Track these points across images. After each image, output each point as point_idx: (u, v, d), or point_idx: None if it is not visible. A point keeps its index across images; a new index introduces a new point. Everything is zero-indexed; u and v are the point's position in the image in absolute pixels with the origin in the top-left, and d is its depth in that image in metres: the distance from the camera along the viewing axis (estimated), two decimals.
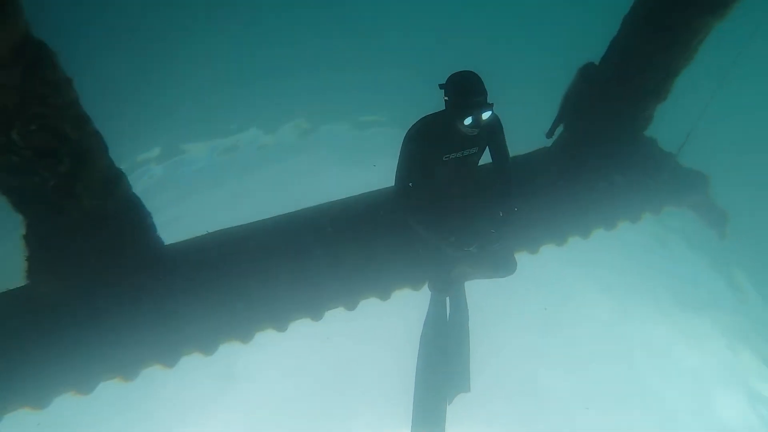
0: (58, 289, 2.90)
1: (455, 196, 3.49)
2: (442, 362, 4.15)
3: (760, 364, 7.85)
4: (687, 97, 4.57)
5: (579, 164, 4.43)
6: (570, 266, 7.18)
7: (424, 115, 3.16)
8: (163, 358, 3.16)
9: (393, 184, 3.39)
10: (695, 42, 3.74)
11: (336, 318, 3.58)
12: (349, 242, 3.71)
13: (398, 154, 3.24)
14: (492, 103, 2.82)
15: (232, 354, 3.37)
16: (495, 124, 3.17)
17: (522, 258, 3.77)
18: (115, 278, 3.05)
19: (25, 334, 2.94)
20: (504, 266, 3.65)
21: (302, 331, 3.55)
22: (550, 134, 4.55)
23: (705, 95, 4.75)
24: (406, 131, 3.16)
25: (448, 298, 4.05)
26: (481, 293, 4.17)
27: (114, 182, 2.80)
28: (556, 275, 7.27)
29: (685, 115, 4.63)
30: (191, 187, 8.56)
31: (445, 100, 2.95)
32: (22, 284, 3.04)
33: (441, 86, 2.95)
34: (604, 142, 4.41)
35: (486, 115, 2.84)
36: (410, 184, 3.30)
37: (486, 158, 3.45)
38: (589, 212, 4.25)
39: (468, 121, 2.84)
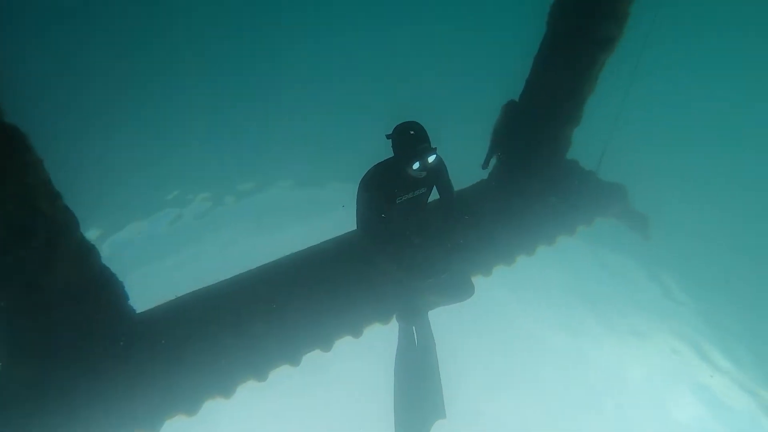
0: (36, 370, 2.90)
1: (411, 232, 3.81)
2: (417, 390, 4.38)
3: (701, 360, 8.56)
4: (597, 119, 5.20)
5: (514, 190, 4.91)
6: (516, 288, 7.69)
7: (375, 164, 3.49)
8: (147, 425, 3.18)
9: (356, 229, 3.70)
10: (593, 72, 4.35)
11: (313, 360, 3.73)
12: (317, 287, 3.90)
13: (356, 202, 3.57)
14: (435, 147, 3.20)
15: (216, 410, 3.42)
16: (439, 165, 3.55)
17: (477, 281, 4.11)
18: (92, 351, 3.08)
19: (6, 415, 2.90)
20: (462, 291, 3.98)
21: (282, 379, 3.67)
22: (485, 165, 5.01)
23: (612, 115, 5.41)
24: (360, 180, 3.48)
25: (414, 328, 4.31)
26: (443, 320, 4.45)
27: (86, 255, 2.90)
28: (504, 297, 7.76)
29: (598, 136, 5.25)
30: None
31: (393, 148, 3.31)
32: None
33: (388, 136, 3.30)
34: (533, 167, 4.91)
35: (431, 159, 3.21)
36: (370, 226, 3.60)
37: (434, 195, 3.82)
38: (531, 232, 4.69)
39: (416, 165, 3.19)
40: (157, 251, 8.78)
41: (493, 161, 5.04)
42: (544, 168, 4.98)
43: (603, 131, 5.31)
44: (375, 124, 4.37)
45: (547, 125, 4.64)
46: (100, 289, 3.03)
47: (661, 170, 9.82)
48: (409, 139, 3.19)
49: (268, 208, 9.66)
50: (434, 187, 3.79)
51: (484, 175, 5.16)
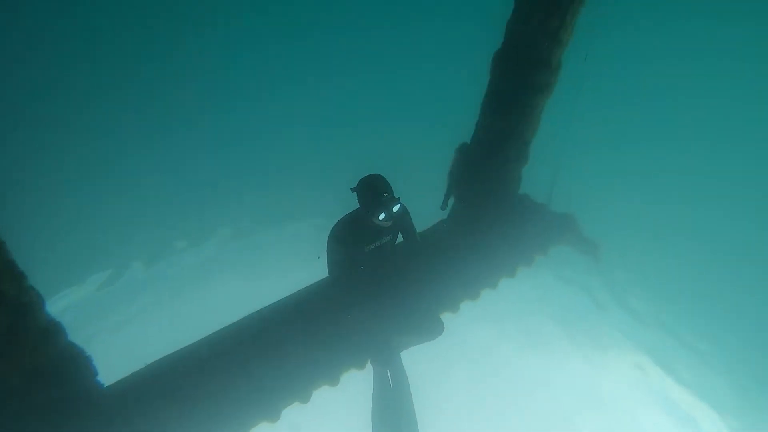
0: None
1: (379, 277, 3.93)
2: (395, 428, 4.43)
3: (665, 375, 8.98)
4: (545, 154, 5.56)
5: (473, 228, 5.13)
6: (481, 321, 7.94)
7: (342, 216, 3.62)
8: None
9: (327, 278, 3.78)
10: (534, 115, 4.70)
11: (291, 413, 3.71)
12: (291, 339, 3.93)
13: (326, 253, 3.67)
14: (398, 197, 3.36)
15: None
16: (403, 212, 3.72)
17: (445, 318, 4.25)
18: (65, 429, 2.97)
19: None
20: (432, 329, 4.10)
21: None
22: (444, 206, 5.23)
23: (557, 151, 5.81)
24: (329, 232, 3.59)
25: (388, 371, 4.37)
26: (416, 358, 4.54)
27: (53, 333, 2.83)
28: (472, 331, 7.97)
29: (547, 171, 5.63)
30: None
31: (359, 200, 3.45)
32: None
33: (353, 190, 3.45)
34: (488, 204, 5.17)
35: (396, 209, 3.37)
36: (339, 276, 3.69)
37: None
38: (492, 265, 4.90)
39: (382, 216, 3.34)
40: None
41: (450, 201, 5.27)
42: (499, 204, 5.25)
43: (551, 166, 5.67)
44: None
45: (497, 165, 4.92)
46: (67, 366, 2.94)
47: (608, 195, 10.53)
48: (374, 191, 3.34)
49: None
50: (398, 233, 3.94)
51: (444, 215, 5.38)
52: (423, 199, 4.85)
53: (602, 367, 9.02)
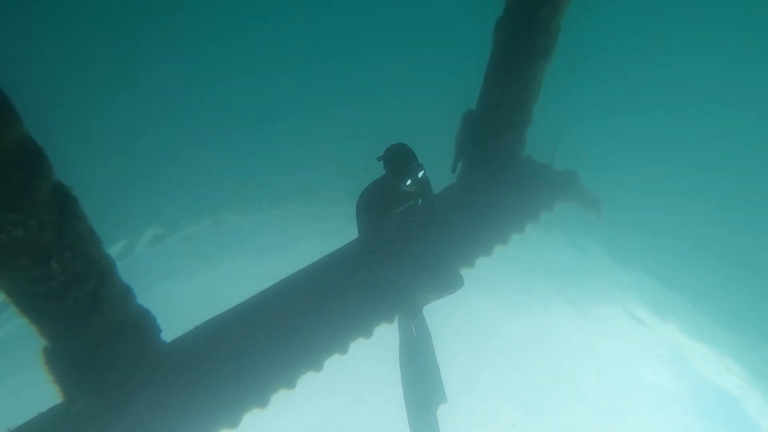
0: (94, 401, 3.16)
1: (405, 239, 4.30)
2: (421, 379, 4.87)
3: (664, 325, 9.45)
4: (546, 119, 5.88)
5: (481, 189, 5.48)
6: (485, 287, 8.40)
7: (368, 184, 3.96)
8: None
9: (358, 242, 4.15)
10: (538, 79, 5.00)
11: (332, 363, 4.11)
12: (327, 298, 4.31)
13: (355, 218, 4.03)
14: (422, 164, 3.70)
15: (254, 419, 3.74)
16: (424, 178, 4.07)
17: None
18: (134, 382, 3.36)
19: None
20: (453, 284, 4.49)
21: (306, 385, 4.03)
22: (453, 170, 5.57)
23: (558, 116, 6.13)
24: (357, 199, 3.94)
25: (413, 325, 4.78)
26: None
27: (126, 295, 3.20)
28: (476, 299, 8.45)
29: (551, 131, 5.96)
30: None
31: (386, 168, 3.78)
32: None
33: (379, 158, 3.78)
34: (495, 167, 5.51)
35: (421, 174, 3.71)
36: (369, 239, 4.06)
37: None
38: (502, 224, 5.27)
39: (408, 182, 3.69)
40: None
41: (459, 165, 5.60)
42: (505, 167, 5.58)
43: (554, 126, 6.00)
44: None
45: (503, 130, 5.24)
46: (136, 324, 3.31)
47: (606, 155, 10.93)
48: (401, 159, 3.68)
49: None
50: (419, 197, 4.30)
51: (453, 178, 5.73)
52: (433, 165, 5.19)
53: (598, 319, 9.55)
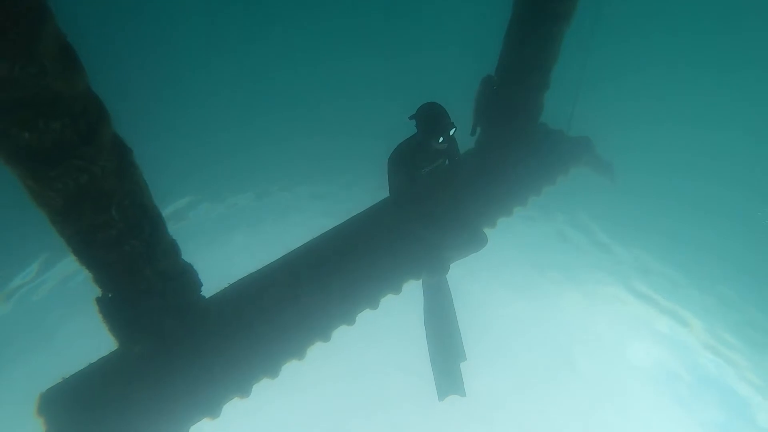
0: (147, 347, 3.31)
1: (434, 197, 4.43)
2: (445, 334, 5.05)
3: (649, 307, 9.69)
4: (563, 86, 5.95)
5: (500, 154, 5.59)
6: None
7: (400, 142, 4.06)
8: (240, 390, 3.63)
9: (390, 198, 4.27)
10: (556, 42, 5.07)
11: (363, 318, 4.28)
12: (360, 255, 4.45)
13: (386, 175, 4.14)
14: (453, 122, 3.80)
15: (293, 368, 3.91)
16: (454, 136, 4.18)
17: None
18: (181, 330, 3.51)
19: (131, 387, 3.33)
20: (477, 242, 4.63)
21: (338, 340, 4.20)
22: (473, 132, 5.67)
23: (574, 81, 6.20)
24: (389, 157, 4.05)
25: (435, 288, 4.95)
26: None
27: (174, 247, 3.32)
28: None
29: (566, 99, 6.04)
30: None
31: (418, 126, 3.88)
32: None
33: (411, 117, 3.87)
34: (512, 132, 5.61)
35: (452, 132, 3.81)
36: (400, 195, 4.17)
37: None
38: (520, 186, 5.39)
39: (441, 139, 3.79)
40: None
41: (478, 129, 5.70)
42: (522, 131, 5.68)
43: (569, 94, 6.08)
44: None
45: (521, 92, 5.32)
46: (182, 277, 3.44)
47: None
48: (435, 116, 3.78)
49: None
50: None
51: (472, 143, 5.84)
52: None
53: (594, 295, 9.80)
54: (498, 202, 5.19)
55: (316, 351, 4.00)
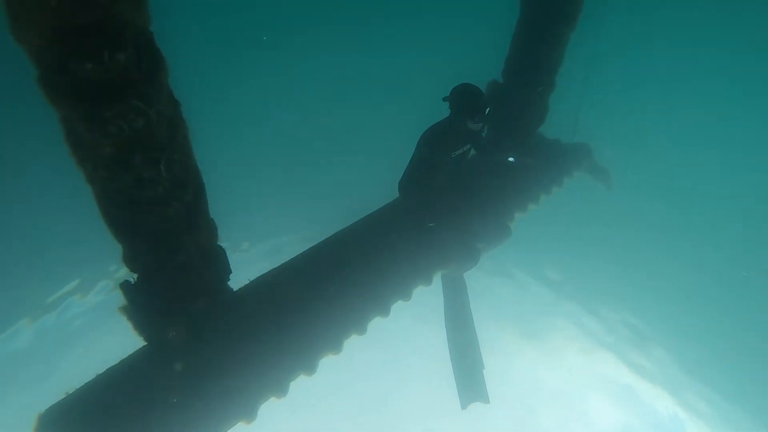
0: (181, 331, 2.93)
1: (461, 183, 4.36)
2: (466, 338, 4.87)
3: (610, 355, 9.69)
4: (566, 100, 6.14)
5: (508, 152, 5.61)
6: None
7: (433, 124, 3.99)
8: (277, 389, 3.27)
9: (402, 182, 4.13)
10: (561, 45, 5.27)
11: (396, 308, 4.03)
12: (384, 248, 4.23)
13: (413, 155, 4.03)
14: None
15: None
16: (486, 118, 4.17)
17: None
18: (217, 318, 3.16)
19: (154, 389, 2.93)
20: (502, 234, 4.57)
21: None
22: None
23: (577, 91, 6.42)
24: (421, 136, 3.96)
25: (452, 285, 4.81)
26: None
27: (212, 223, 3.03)
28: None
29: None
30: None
31: (454, 107, 3.83)
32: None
33: (445, 99, 3.84)
34: (516, 136, 5.69)
35: (488, 112, 3.79)
36: (427, 173, 4.06)
37: None
38: (531, 187, 5.41)
39: (476, 119, 3.76)
40: None
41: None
42: (525, 135, 5.78)
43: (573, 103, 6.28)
44: None
45: (527, 92, 5.45)
46: (218, 258, 3.14)
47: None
48: (471, 97, 3.76)
49: None
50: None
51: None
52: None
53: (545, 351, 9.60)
54: (513, 201, 5.17)
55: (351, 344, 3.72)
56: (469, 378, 4.89)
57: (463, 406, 4.85)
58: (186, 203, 2.68)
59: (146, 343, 3.19)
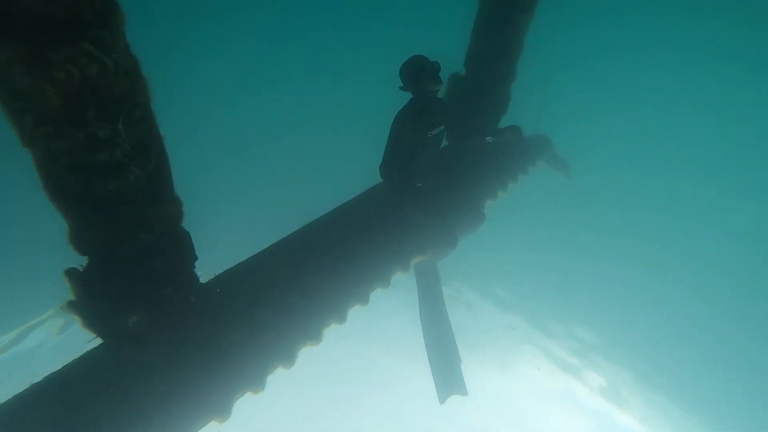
0: (145, 320, 2.57)
1: (433, 166, 4.24)
2: (441, 328, 4.73)
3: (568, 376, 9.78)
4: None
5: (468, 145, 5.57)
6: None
7: (405, 105, 3.86)
8: (253, 383, 2.95)
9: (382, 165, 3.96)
10: (520, 34, 5.34)
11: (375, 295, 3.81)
12: (365, 234, 4.02)
13: (390, 136, 3.87)
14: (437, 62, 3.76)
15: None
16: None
17: None
18: (184, 307, 2.83)
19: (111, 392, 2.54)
20: (479, 219, 4.49)
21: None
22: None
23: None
24: (395, 118, 3.81)
25: (426, 277, 4.68)
26: None
27: (178, 200, 2.71)
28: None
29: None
30: None
31: (413, 82, 3.72)
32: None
33: (402, 87, 3.78)
34: (478, 125, 5.67)
35: (439, 70, 3.74)
36: (405, 156, 3.91)
37: None
38: (489, 180, 5.36)
39: (434, 77, 3.68)
40: None
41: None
42: (491, 120, 5.76)
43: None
44: None
45: (488, 82, 5.46)
46: (183, 240, 2.83)
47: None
48: (418, 62, 3.68)
49: None
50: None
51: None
52: None
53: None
54: (481, 184, 5.11)
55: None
56: (447, 371, 4.73)
57: (442, 401, 4.68)
58: (149, 172, 2.39)
59: (100, 341, 2.81)
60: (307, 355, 3.32)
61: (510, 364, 9.49)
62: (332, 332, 3.52)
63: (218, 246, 4.76)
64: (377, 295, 3.86)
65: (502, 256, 10.38)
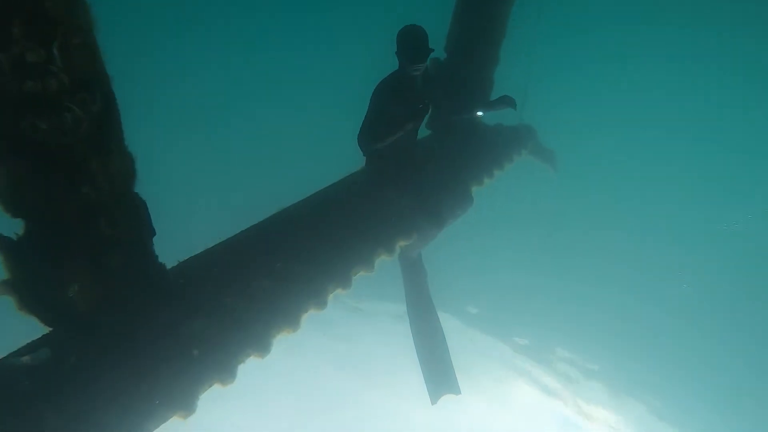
0: (92, 292, 2.16)
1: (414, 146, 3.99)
2: (430, 323, 4.43)
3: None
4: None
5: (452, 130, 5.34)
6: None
7: (388, 74, 3.61)
8: (222, 376, 2.55)
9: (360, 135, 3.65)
10: (502, 19, 5.18)
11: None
12: (332, 227, 3.66)
13: (369, 105, 3.58)
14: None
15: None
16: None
17: None
18: (140, 285, 2.43)
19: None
20: (465, 203, 4.23)
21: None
22: None
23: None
24: (378, 85, 3.53)
25: (411, 266, 4.39)
26: None
27: (130, 158, 2.33)
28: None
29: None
30: None
31: (397, 55, 3.49)
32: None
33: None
34: (462, 111, 5.44)
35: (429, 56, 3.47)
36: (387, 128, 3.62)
37: None
38: (474, 167, 5.12)
39: (418, 60, 3.42)
40: None
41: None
42: (473, 106, 5.54)
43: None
44: None
45: (471, 67, 5.26)
46: (139, 208, 2.45)
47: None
48: (413, 37, 3.41)
49: None
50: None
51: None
52: None
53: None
54: (467, 166, 4.86)
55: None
56: (438, 370, 4.41)
57: (434, 401, 4.36)
58: (93, 114, 2.01)
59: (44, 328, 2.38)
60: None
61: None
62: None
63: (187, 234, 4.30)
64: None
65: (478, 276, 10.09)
